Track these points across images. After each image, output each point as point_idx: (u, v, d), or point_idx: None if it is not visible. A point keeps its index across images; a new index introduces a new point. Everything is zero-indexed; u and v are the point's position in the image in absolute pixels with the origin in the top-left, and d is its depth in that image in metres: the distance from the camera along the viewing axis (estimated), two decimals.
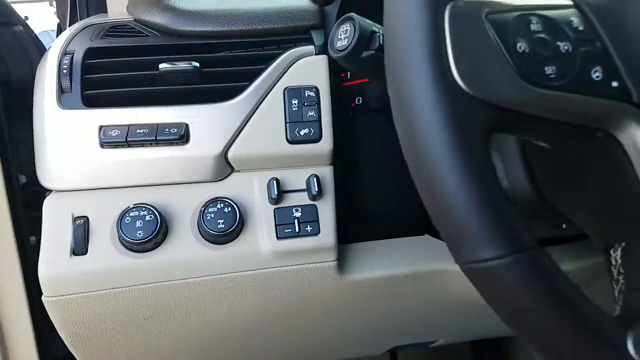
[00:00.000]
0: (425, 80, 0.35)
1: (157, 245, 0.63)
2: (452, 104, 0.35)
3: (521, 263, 0.34)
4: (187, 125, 0.65)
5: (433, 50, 0.36)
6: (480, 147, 0.36)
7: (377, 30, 0.50)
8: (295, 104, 0.68)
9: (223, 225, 0.63)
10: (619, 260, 0.42)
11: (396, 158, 0.82)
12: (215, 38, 0.72)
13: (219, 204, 0.64)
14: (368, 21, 0.51)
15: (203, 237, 0.65)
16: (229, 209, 0.64)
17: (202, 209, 0.63)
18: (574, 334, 0.35)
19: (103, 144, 0.63)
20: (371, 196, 0.78)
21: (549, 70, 0.37)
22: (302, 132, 0.67)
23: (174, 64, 0.67)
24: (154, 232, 0.61)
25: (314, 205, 0.68)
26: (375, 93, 0.84)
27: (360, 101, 0.83)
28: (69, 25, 0.89)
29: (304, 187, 0.68)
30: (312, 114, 0.68)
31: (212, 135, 0.65)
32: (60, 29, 0.94)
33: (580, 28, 0.39)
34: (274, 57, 0.70)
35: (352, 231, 0.75)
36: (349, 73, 0.83)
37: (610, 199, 0.45)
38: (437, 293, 0.77)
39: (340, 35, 0.50)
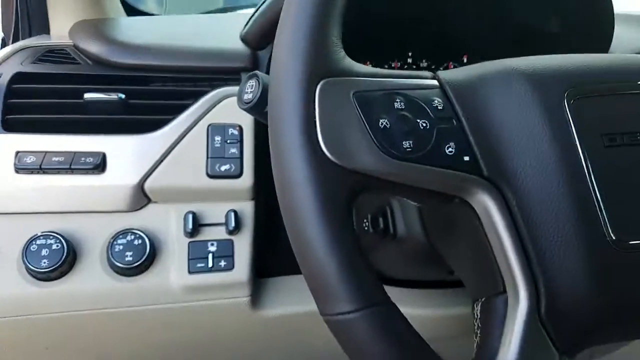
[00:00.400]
0: (297, 149, 0.38)
1: (62, 274, 0.62)
2: (318, 170, 0.38)
3: (372, 317, 0.36)
4: (104, 154, 0.65)
5: (303, 121, 0.39)
6: (344, 212, 0.39)
7: None
8: (218, 140, 0.69)
9: (131, 258, 0.62)
10: (478, 315, 0.43)
11: None
12: (146, 71, 0.74)
13: (129, 236, 0.63)
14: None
15: (112, 268, 0.64)
16: (139, 241, 0.63)
17: (111, 240, 0.63)
18: None
19: (18, 170, 0.63)
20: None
21: (406, 144, 0.41)
22: (222, 168, 0.68)
23: (98, 95, 0.68)
24: (59, 261, 0.61)
25: (231, 239, 0.68)
26: None
27: None
28: (13, 42, 0.89)
29: (223, 221, 0.69)
30: (234, 150, 0.69)
31: (130, 166, 0.66)
32: (4, 44, 0.94)
33: (440, 107, 0.43)
34: (201, 94, 0.71)
35: (273, 265, 0.75)
36: None
37: (471, 256, 0.47)
38: None
39: (247, 90, 0.52)
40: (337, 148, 0.39)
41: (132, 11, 1.05)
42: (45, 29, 0.94)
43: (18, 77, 0.69)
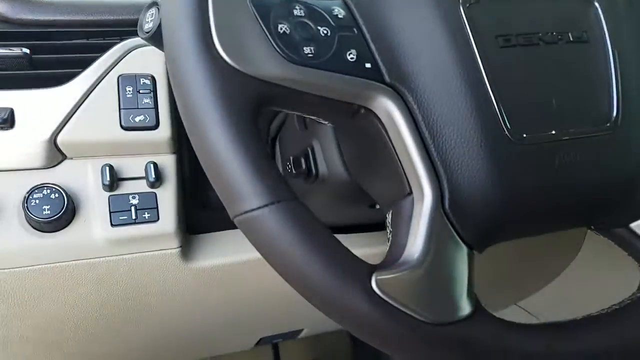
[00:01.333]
0: (193, 54, 0.39)
1: None
2: (217, 73, 0.39)
3: (278, 212, 0.37)
4: (11, 110, 0.63)
5: (197, 24, 0.39)
6: (248, 116, 0.39)
7: None
8: (129, 90, 0.68)
9: (49, 212, 0.61)
10: (389, 221, 0.46)
11: None
12: (53, 26, 0.71)
13: (45, 190, 0.62)
14: None
15: (30, 225, 0.62)
16: (56, 195, 0.62)
17: (27, 195, 0.61)
18: (326, 272, 0.37)
19: None
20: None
21: (307, 50, 0.42)
22: (136, 119, 0.67)
23: (3, 50, 0.66)
24: None
25: (153, 192, 0.68)
26: None
27: None
28: None
29: (143, 175, 0.68)
30: (147, 101, 0.68)
31: (40, 120, 0.64)
32: None
33: (340, 16, 0.45)
34: (110, 47, 0.70)
35: (202, 222, 0.76)
36: None
37: (380, 169, 0.49)
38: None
39: (148, 19, 0.52)
40: (236, 52, 0.39)
41: None
42: None
43: None
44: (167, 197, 0.68)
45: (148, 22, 0.52)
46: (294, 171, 0.65)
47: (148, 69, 0.69)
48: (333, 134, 0.61)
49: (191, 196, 0.74)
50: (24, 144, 0.63)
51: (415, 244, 0.42)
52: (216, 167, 0.39)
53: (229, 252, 0.74)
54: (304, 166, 0.64)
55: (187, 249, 0.72)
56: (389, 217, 0.46)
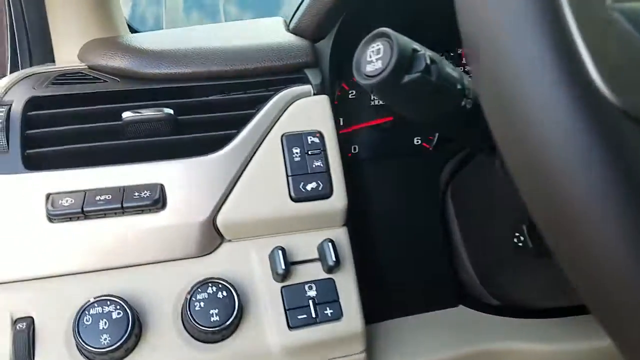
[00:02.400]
0: (557, 84, 0.23)
1: (128, 352, 0.46)
2: (604, 124, 0.23)
3: None
4: (161, 186, 0.50)
5: (561, 44, 0.24)
6: None
7: (419, 49, 0.39)
8: (297, 152, 0.54)
9: (217, 318, 0.47)
10: None
11: (412, 214, 0.71)
12: (189, 81, 0.59)
13: (210, 288, 0.48)
14: (404, 37, 0.39)
15: (190, 334, 0.48)
16: (225, 293, 0.48)
17: (188, 297, 0.47)
18: None
19: (52, 217, 0.48)
20: (388, 262, 0.64)
21: None
22: (308, 187, 0.53)
23: (140, 112, 0.54)
24: (124, 335, 0.45)
25: (331, 279, 0.53)
26: (373, 140, 0.73)
27: (357, 150, 0.72)
28: None
29: (315, 256, 0.54)
30: (318, 164, 0.54)
31: (196, 197, 0.51)
32: None
33: None
34: (262, 100, 0.57)
35: (370, 307, 0.61)
36: (342, 120, 0.71)
37: None
38: None
39: (371, 57, 0.38)
40: (620, 84, 0.24)
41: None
42: (46, 59, 0.79)
43: (34, 103, 0.55)
44: (347, 285, 0.53)
45: (372, 62, 0.38)
46: (529, 244, 0.49)
47: (314, 124, 0.56)
48: None
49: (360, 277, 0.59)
50: (177, 227, 0.50)
51: None
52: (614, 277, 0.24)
53: (417, 351, 0.58)
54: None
55: (370, 349, 0.56)
56: None
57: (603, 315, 0.26)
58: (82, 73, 0.62)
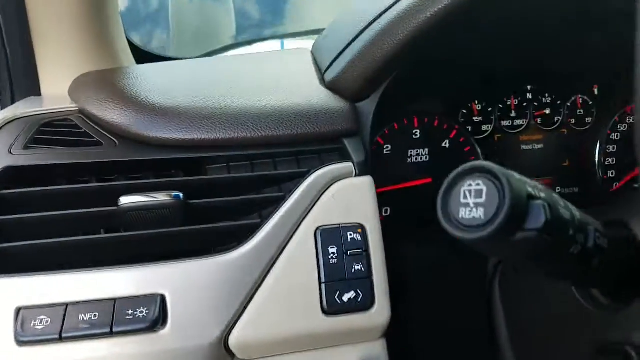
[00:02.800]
0: None
1: None
2: None
3: None
4: (162, 298, 0.40)
5: None
6: None
7: (534, 194, 0.28)
8: (333, 254, 0.44)
9: None
10: None
11: (454, 301, 0.60)
12: (203, 150, 0.48)
13: None
14: (516, 175, 0.28)
15: None
16: None
17: None
18: None
19: (21, 342, 0.37)
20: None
21: None
22: (345, 297, 0.43)
23: (141, 198, 0.43)
24: None
25: None
26: (407, 204, 0.63)
27: (389, 212, 0.62)
28: None
29: None
30: (359, 267, 0.44)
31: (205, 311, 0.40)
32: None
33: None
34: (293, 178, 0.46)
35: None
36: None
37: None
38: None
39: (466, 198, 0.28)
40: None
41: (134, 51, 0.79)
42: (34, 89, 0.68)
43: (11, 174, 0.44)
44: None
45: (469, 207, 0.28)
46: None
47: (355, 216, 0.46)
48: None
49: None
50: (179, 351, 0.40)
51: None
52: None
53: None
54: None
55: None
56: None
57: None
58: (71, 122, 0.51)
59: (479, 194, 0.27)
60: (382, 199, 0.60)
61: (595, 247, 0.32)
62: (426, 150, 0.65)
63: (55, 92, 0.65)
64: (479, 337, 0.56)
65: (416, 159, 0.64)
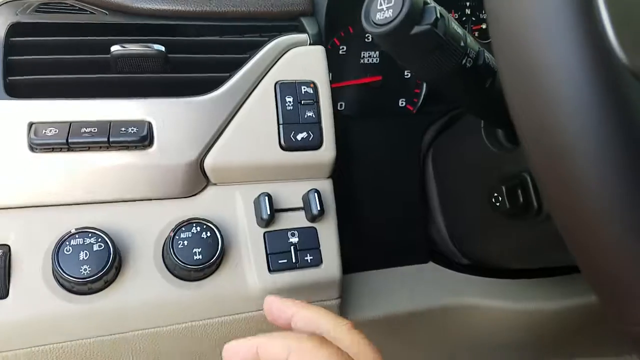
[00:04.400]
0: (575, 50, 0.24)
1: (107, 284, 0.46)
2: (615, 84, 0.24)
3: None
4: (150, 123, 0.49)
5: (581, 8, 0.24)
6: None
7: (429, 2, 0.39)
8: (289, 102, 0.54)
9: (200, 257, 0.47)
10: None
11: (393, 173, 0.72)
12: (182, 19, 0.58)
13: (194, 227, 0.48)
14: None
15: (170, 271, 0.49)
16: (208, 233, 0.48)
17: (172, 234, 0.47)
18: None
19: (34, 147, 0.46)
20: (367, 216, 0.66)
21: None
22: (299, 137, 0.53)
23: (129, 47, 0.52)
24: (104, 267, 0.44)
25: (314, 227, 0.54)
26: (360, 98, 0.73)
27: (343, 106, 0.72)
28: None
29: (299, 205, 0.54)
30: (310, 114, 0.54)
31: (184, 138, 0.50)
32: None
33: None
34: (257, 45, 0.56)
35: (346, 258, 0.62)
36: (330, 75, 0.71)
37: None
38: (450, 332, 0.65)
39: (382, 5, 0.38)
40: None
41: None
42: None
43: (18, 29, 0.52)
44: (328, 234, 0.54)
45: (383, 10, 0.38)
46: (507, 205, 0.50)
47: (308, 74, 0.56)
48: None
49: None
50: (163, 167, 0.50)
51: None
52: (613, 259, 0.25)
53: (386, 303, 0.60)
54: (521, 199, 0.50)
55: (346, 298, 0.57)
56: None
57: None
58: (67, 3, 0.60)
59: (389, 0, 0.37)
60: (339, 93, 0.70)
61: (486, 67, 0.43)
62: (377, 52, 0.74)
63: None
64: (412, 195, 0.68)
65: (368, 60, 0.74)
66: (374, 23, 0.38)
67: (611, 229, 0.25)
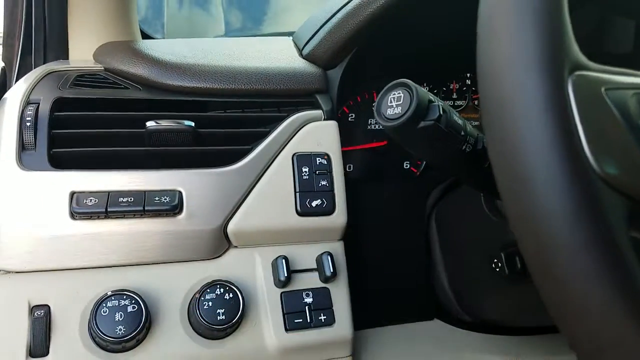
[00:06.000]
0: (555, 160, 0.29)
1: (138, 342, 0.50)
2: (587, 189, 0.29)
3: None
4: (180, 192, 0.54)
5: (562, 125, 0.30)
6: (624, 242, 0.29)
7: (433, 100, 0.44)
8: (305, 172, 0.59)
9: (224, 317, 0.51)
10: None
11: (399, 233, 0.77)
12: (208, 95, 0.63)
13: (218, 289, 0.52)
14: (422, 88, 0.45)
15: (195, 330, 0.53)
16: (231, 295, 0.52)
17: (198, 296, 0.52)
18: None
19: (75, 214, 0.51)
20: (375, 275, 0.70)
21: None
22: (313, 203, 0.58)
23: (163, 123, 0.57)
24: (138, 327, 0.49)
25: (326, 288, 0.58)
26: (367, 161, 0.78)
27: (351, 169, 0.77)
28: (18, 72, 0.76)
29: (313, 266, 0.59)
30: (324, 183, 0.59)
31: (210, 205, 0.55)
32: (4, 75, 0.80)
33: None
34: (276, 120, 0.62)
35: (363, 315, 0.66)
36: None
37: None
38: None
39: (391, 102, 0.44)
40: (609, 160, 0.30)
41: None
42: (62, 54, 0.82)
43: (61, 104, 0.58)
44: (341, 294, 0.59)
45: (392, 107, 0.43)
46: (506, 270, 0.55)
47: (322, 147, 0.61)
48: None
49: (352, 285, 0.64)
50: (190, 232, 0.54)
51: None
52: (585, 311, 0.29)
53: (399, 356, 0.64)
54: (519, 265, 0.54)
55: (356, 354, 0.61)
56: None
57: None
58: (101, 75, 0.65)
59: (399, 99, 0.43)
60: (347, 157, 0.76)
61: (484, 151, 0.48)
62: None
63: (81, 56, 0.78)
64: (418, 255, 0.72)
65: (375, 126, 0.80)
66: (385, 117, 0.44)
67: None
